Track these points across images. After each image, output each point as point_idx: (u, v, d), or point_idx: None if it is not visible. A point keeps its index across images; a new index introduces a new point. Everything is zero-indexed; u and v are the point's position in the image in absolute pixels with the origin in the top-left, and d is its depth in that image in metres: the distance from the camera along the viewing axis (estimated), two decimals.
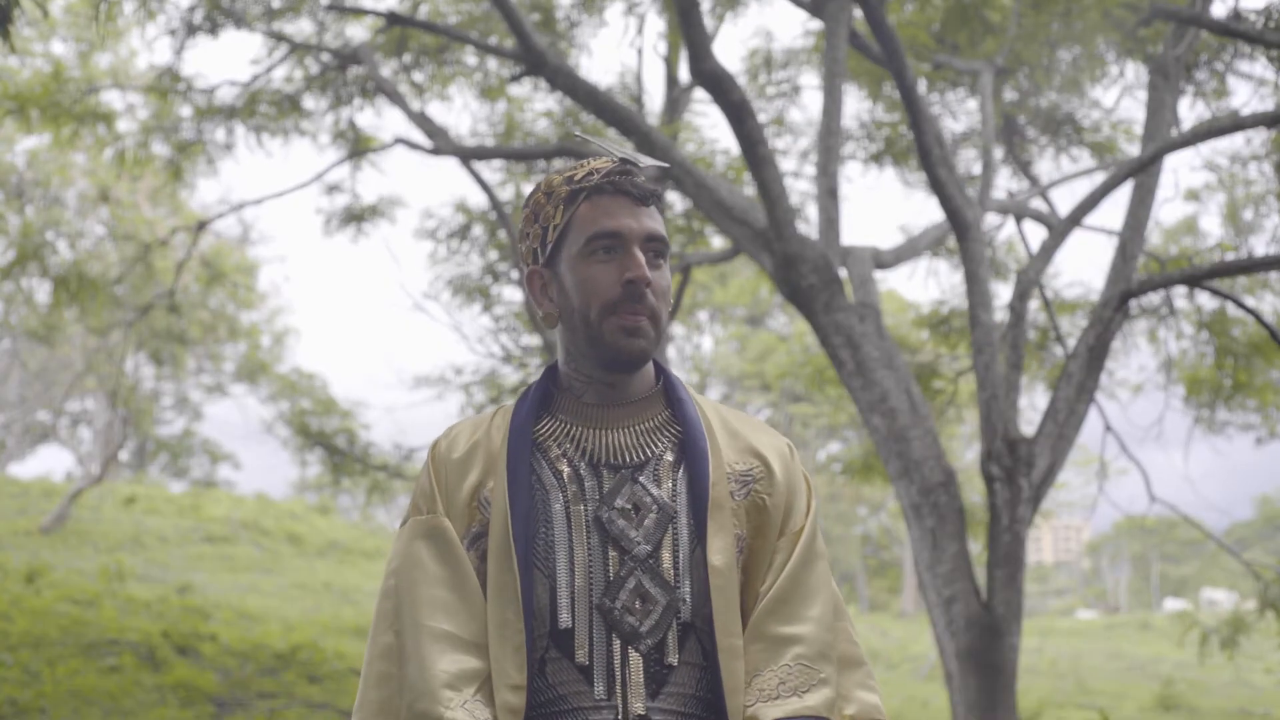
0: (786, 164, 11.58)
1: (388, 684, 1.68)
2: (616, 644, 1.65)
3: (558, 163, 9.97)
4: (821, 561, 1.76)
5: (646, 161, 1.77)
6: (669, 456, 1.73)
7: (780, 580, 1.71)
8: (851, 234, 26.46)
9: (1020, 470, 6.22)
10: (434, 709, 1.61)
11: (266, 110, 9.78)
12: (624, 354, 1.70)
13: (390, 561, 1.75)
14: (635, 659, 1.65)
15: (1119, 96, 9.50)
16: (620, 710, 1.64)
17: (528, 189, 10.95)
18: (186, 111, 9.87)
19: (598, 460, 1.72)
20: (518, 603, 1.65)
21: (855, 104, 10.35)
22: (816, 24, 9.78)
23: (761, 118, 10.78)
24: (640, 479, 1.71)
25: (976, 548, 10.21)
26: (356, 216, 10.66)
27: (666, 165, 1.95)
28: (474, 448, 1.76)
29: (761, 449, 1.78)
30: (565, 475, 1.71)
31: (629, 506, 1.69)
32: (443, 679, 1.62)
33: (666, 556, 1.68)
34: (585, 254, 1.70)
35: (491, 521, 1.69)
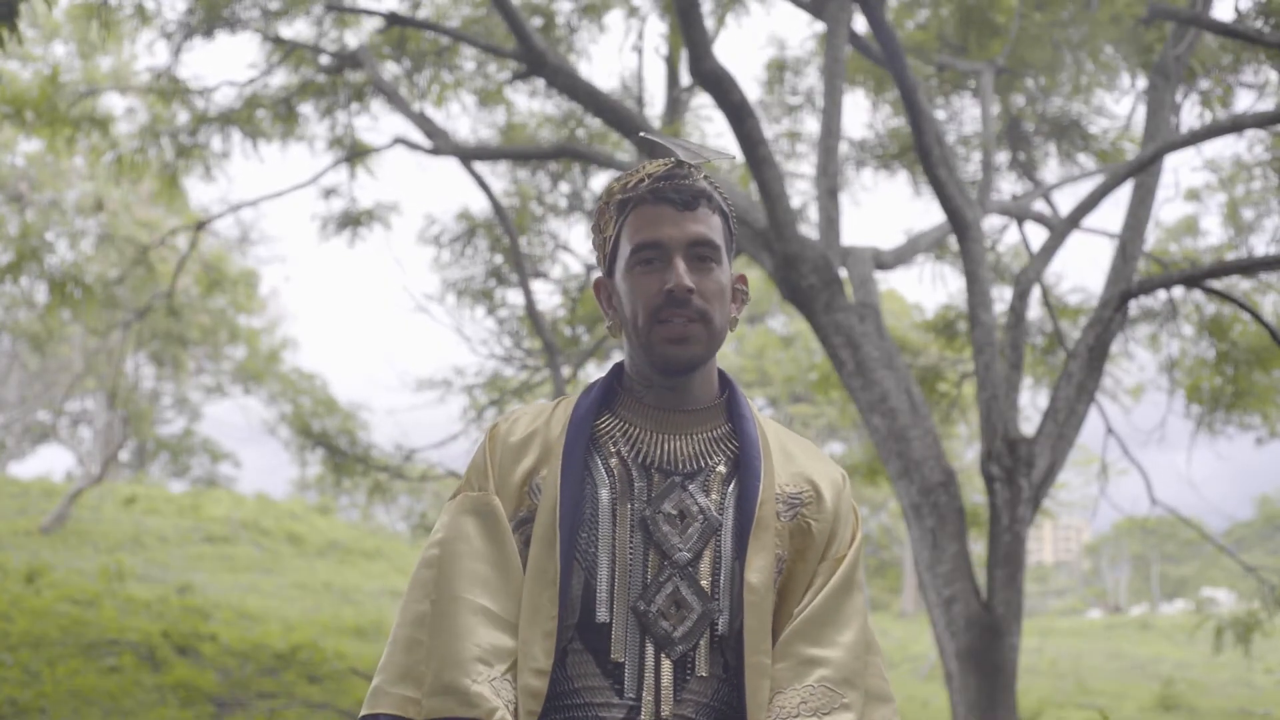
0: (800, 170, 11.52)
1: (416, 650, 1.68)
2: (650, 647, 1.66)
3: (554, 165, 9.97)
4: (859, 593, 1.78)
5: (711, 155, 1.78)
6: (722, 469, 1.74)
7: (815, 603, 1.72)
8: (855, 235, 26.42)
9: (1020, 470, 6.21)
10: (461, 680, 1.61)
11: (263, 116, 9.75)
12: (673, 362, 1.71)
13: (435, 532, 1.76)
14: (666, 664, 1.66)
15: (1133, 107, 9.38)
16: (647, 713, 1.64)
17: (526, 192, 10.97)
18: (184, 117, 9.85)
19: (650, 462, 1.73)
20: (554, 589, 1.66)
21: (864, 112, 10.36)
22: (820, 27, 9.77)
23: (777, 129, 10.80)
24: (690, 487, 1.72)
25: (977, 547, 10.21)
26: (353, 221, 10.65)
27: (730, 155, 1.93)
28: (532, 434, 1.77)
29: (814, 475, 1.80)
30: (616, 472, 1.72)
31: (675, 512, 1.70)
32: (475, 652, 1.63)
33: (705, 567, 1.69)
34: (631, 265, 1.73)
35: (540, 508, 1.71)
